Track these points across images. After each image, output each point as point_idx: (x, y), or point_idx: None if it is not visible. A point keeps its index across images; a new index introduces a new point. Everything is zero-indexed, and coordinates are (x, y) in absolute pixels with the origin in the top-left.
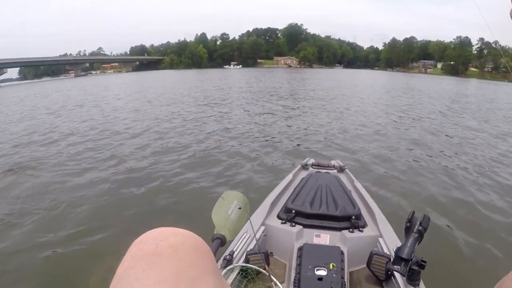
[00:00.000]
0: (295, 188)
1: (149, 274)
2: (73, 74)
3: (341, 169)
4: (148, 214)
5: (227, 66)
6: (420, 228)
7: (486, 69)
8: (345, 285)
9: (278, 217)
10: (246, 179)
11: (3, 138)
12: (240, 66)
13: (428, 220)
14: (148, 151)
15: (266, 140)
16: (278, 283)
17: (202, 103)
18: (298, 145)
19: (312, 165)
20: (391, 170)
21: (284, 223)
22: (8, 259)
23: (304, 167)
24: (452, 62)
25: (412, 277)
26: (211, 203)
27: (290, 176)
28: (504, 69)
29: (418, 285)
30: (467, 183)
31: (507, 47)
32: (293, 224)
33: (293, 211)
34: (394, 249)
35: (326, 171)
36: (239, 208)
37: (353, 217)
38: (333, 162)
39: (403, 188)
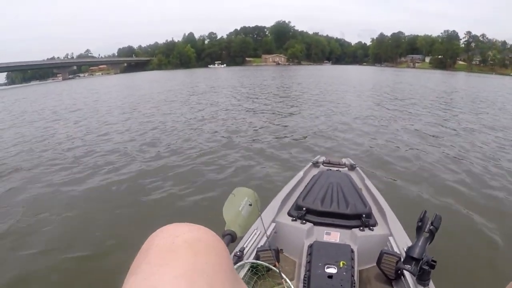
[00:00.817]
0: (306, 186)
1: (165, 270)
2: (61, 78)
3: (352, 167)
4: (160, 210)
5: (211, 66)
6: (431, 227)
7: (474, 62)
8: (355, 283)
9: (289, 214)
10: (256, 176)
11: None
12: (225, 65)
13: (439, 220)
14: (157, 151)
15: (275, 138)
16: (288, 280)
17: (199, 103)
18: (307, 142)
19: (323, 162)
20: (402, 168)
21: (295, 220)
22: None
23: (315, 164)
24: (440, 56)
25: (422, 276)
26: (222, 200)
27: (301, 173)
28: (492, 62)
29: (428, 284)
30: (480, 180)
31: (494, 40)
32: (304, 221)
33: (304, 208)
34: (404, 248)
35: (337, 169)
36: (249, 205)
37: (364, 215)
38: (344, 160)
39: (414, 187)
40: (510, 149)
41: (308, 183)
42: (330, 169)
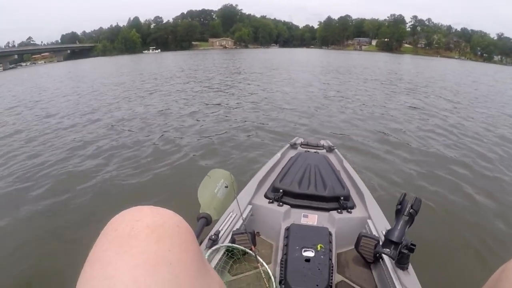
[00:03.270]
0: (283, 167)
1: (123, 258)
2: (2, 68)
3: (330, 149)
4: (131, 192)
5: (146, 51)
6: (411, 211)
7: (419, 45)
8: (332, 266)
9: (266, 196)
10: (233, 157)
11: None
12: (159, 50)
13: (419, 203)
14: (131, 130)
15: (251, 120)
16: (264, 263)
17: (172, 85)
18: (280, 124)
19: (301, 144)
20: (380, 150)
21: (272, 202)
22: None
23: (293, 146)
24: (386, 39)
25: (401, 260)
26: (197, 181)
27: (278, 155)
28: (437, 45)
29: (407, 268)
30: (460, 163)
31: (439, 24)
32: (281, 203)
33: (281, 190)
34: (383, 231)
35: (315, 150)
36: (225, 187)
37: (342, 198)
38: (322, 142)
39: (393, 169)
40: (493, 127)
41: (285, 165)
42: (308, 151)
